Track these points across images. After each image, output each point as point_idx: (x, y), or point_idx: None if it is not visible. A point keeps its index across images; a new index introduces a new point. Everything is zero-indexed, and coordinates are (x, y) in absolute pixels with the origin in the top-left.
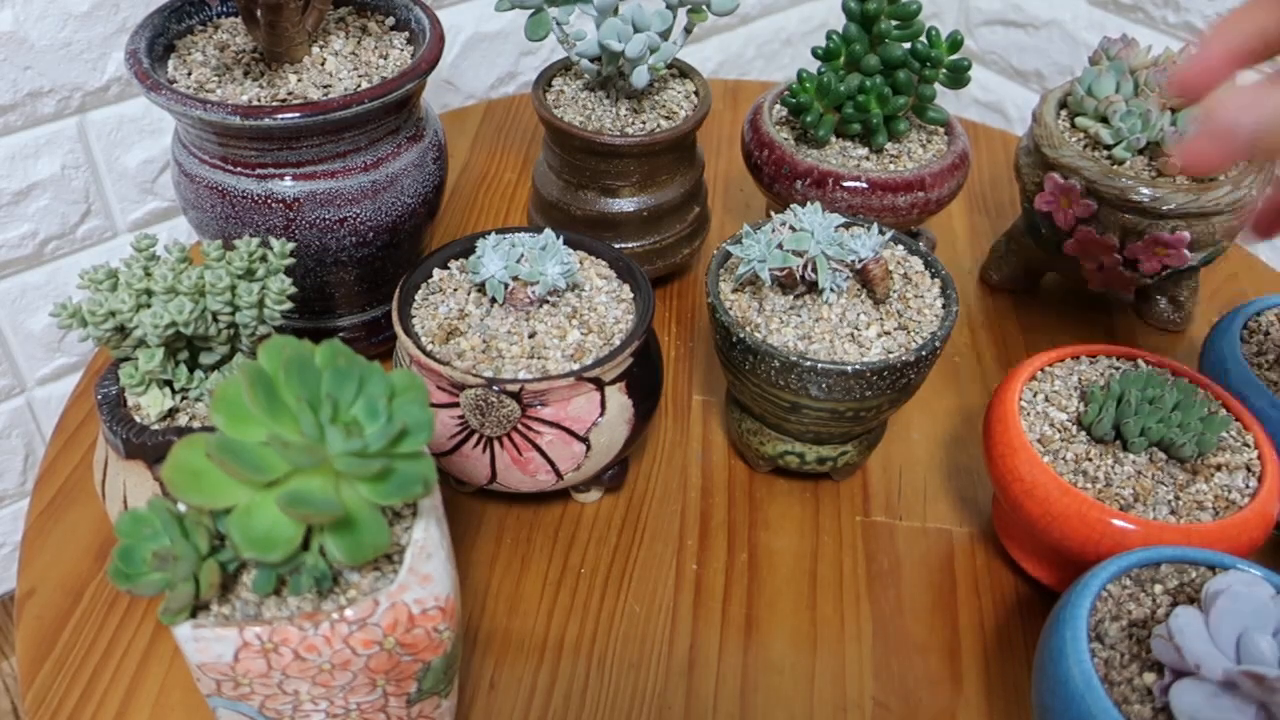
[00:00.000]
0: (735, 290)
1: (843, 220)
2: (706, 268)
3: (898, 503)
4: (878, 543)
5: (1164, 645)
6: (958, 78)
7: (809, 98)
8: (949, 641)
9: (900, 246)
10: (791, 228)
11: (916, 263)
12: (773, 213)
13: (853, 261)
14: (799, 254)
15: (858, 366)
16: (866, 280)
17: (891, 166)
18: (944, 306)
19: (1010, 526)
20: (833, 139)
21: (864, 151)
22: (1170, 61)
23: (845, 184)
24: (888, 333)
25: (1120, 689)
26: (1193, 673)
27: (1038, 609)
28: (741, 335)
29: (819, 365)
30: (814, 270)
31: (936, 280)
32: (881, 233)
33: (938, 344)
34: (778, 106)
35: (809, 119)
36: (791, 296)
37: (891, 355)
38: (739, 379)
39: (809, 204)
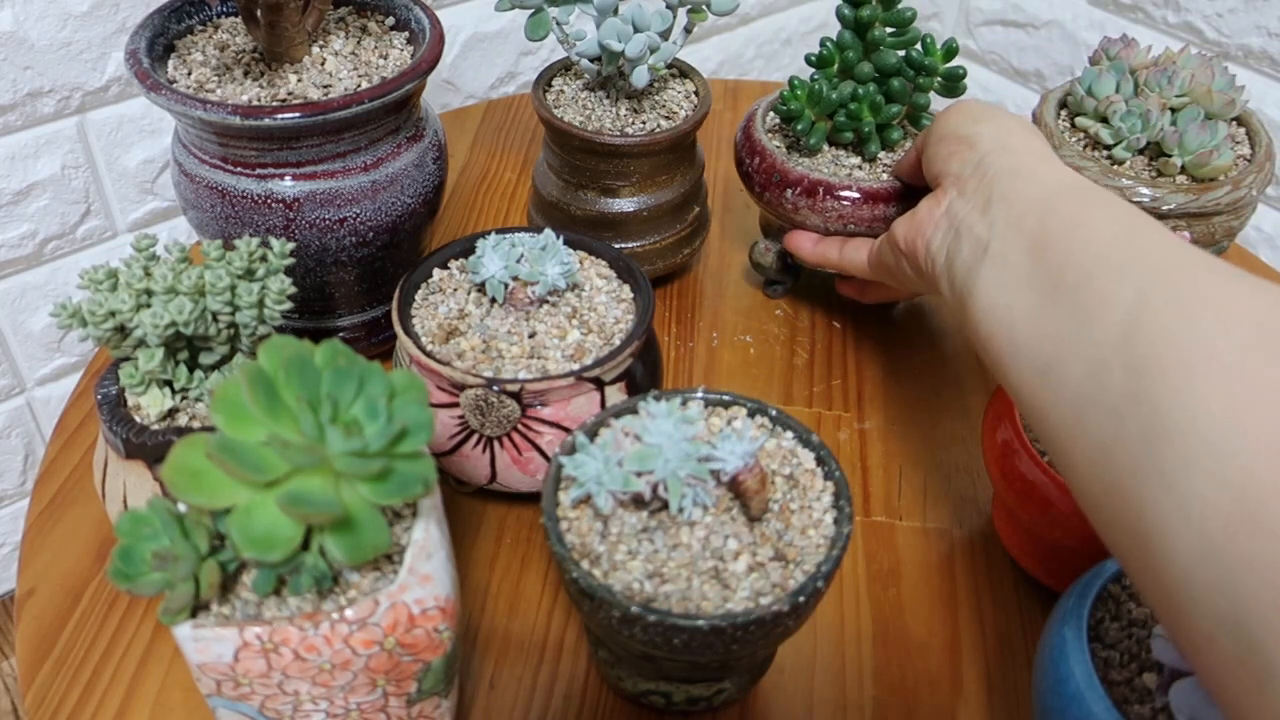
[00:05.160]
0: (578, 504)
1: (700, 429)
2: (700, 270)
3: (898, 503)
4: (878, 543)
5: (1164, 645)
6: (953, 86)
7: (800, 105)
8: (949, 641)
9: (789, 433)
10: (637, 436)
11: (807, 458)
12: (621, 427)
13: (719, 473)
14: (644, 474)
15: (715, 623)
16: (739, 493)
17: (884, 176)
18: (835, 523)
19: (1010, 526)
20: (825, 147)
21: (856, 160)
22: (1170, 61)
23: (837, 194)
24: (760, 564)
25: (1120, 689)
26: (1193, 673)
27: (1038, 609)
28: (574, 575)
29: (667, 620)
30: (667, 489)
31: (829, 484)
32: (765, 422)
33: (819, 584)
34: (770, 114)
35: (800, 127)
36: (645, 514)
37: (762, 600)
38: (582, 614)
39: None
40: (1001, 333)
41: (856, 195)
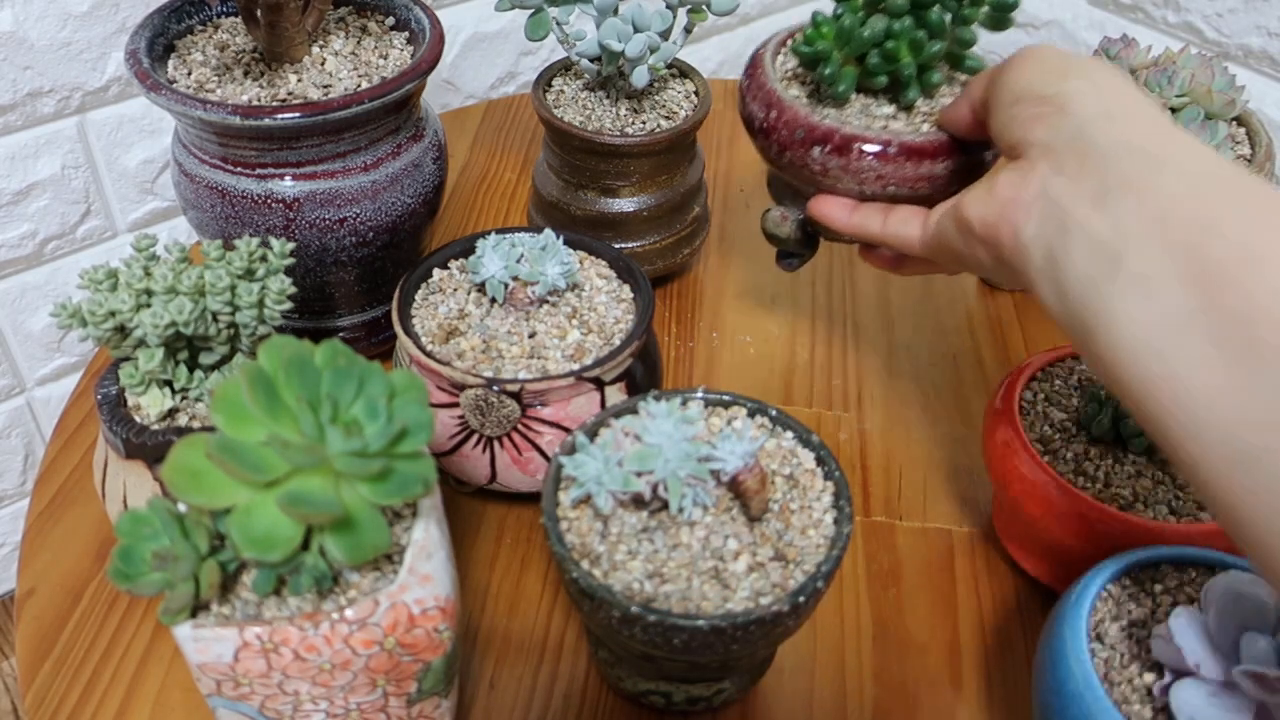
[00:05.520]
0: (578, 505)
1: (700, 429)
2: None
3: (898, 503)
4: (878, 543)
5: (1164, 645)
6: (1002, 18)
7: (827, 45)
8: (949, 641)
9: (789, 433)
10: (637, 436)
11: (807, 458)
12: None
13: (719, 473)
14: (644, 474)
15: (715, 623)
16: (739, 493)
17: (924, 127)
18: (835, 523)
19: (1010, 526)
20: (852, 96)
21: (890, 110)
22: (1170, 61)
23: (875, 150)
24: (760, 564)
25: (1120, 689)
26: (1193, 673)
27: (1038, 609)
28: (574, 575)
29: (667, 620)
30: (667, 489)
31: (829, 484)
32: (765, 422)
33: (819, 584)
34: (783, 57)
35: (827, 71)
36: (645, 514)
37: (762, 600)
38: (582, 614)
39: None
40: (1166, 392)
41: (897, 151)
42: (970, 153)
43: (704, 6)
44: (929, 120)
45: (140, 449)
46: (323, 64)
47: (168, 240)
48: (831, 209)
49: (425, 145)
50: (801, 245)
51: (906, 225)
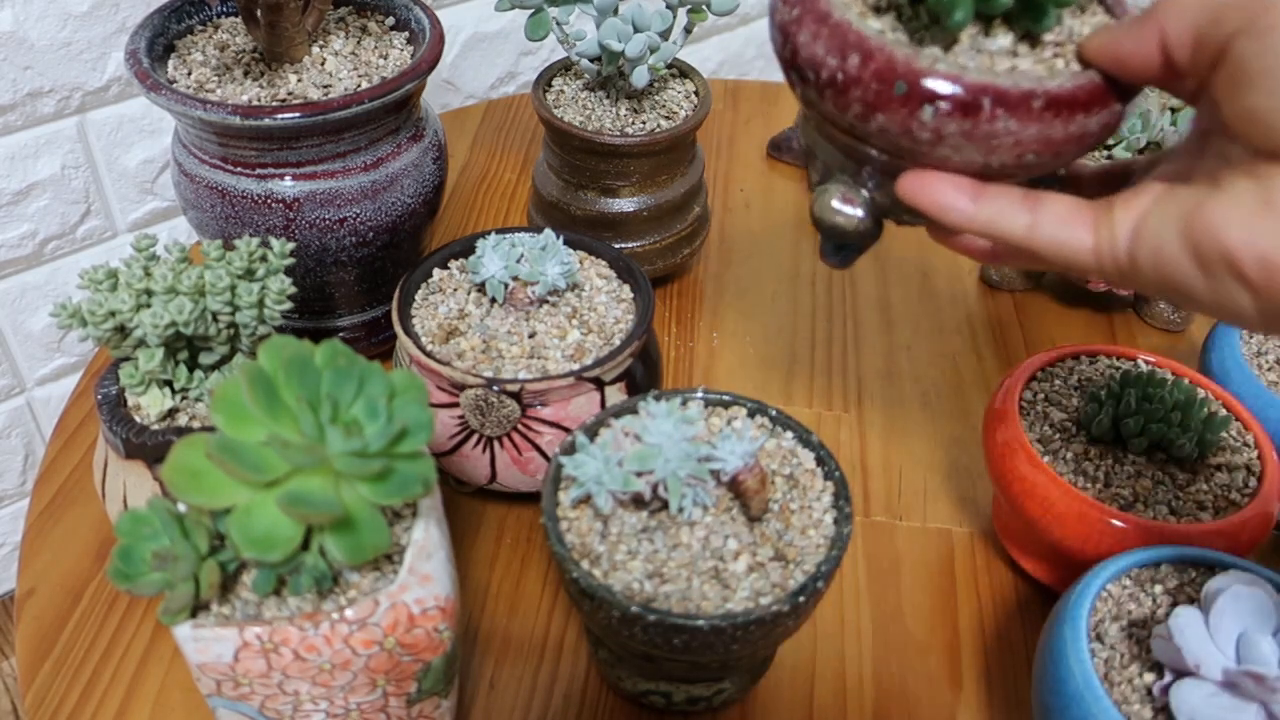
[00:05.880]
0: (578, 504)
1: (700, 429)
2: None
3: (898, 503)
4: (878, 543)
5: (1164, 645)
6: None
7: None
8: (949, 641)
9: (789, 433)
10: (637, 436)
11: (807, 458)
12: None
13: (719, 473)
14: (644, 474)
15: (715, 623)
16: (739, 493)
17: (1059, 63)
18: (835, 523)
19: (1010, 526)
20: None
21: (1006, 42)
22: None
23: (1012, 105)
24: (760, 564)
25: (1120, 689)
26: (1193, 673)
27: (1038, 609)
28: (574, 575)
29: (667, 620)
30: (667, 489)
31: (829, 484)
32: (765, 422)
33: (819, 584)
34: None
35: None
36: (645, 514)
37: (762, 600)
38: (582, 614)
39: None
40: None
41: (1044, 104)
42: (1128, 99)
43: (704, 6)
44: (1060, 53)
45: (140, 449)
46: (323, 64)
47: (168, 240)
48: (946, 195)
49: (425, 145)
50: (867, 236)
51: (1068, 230)
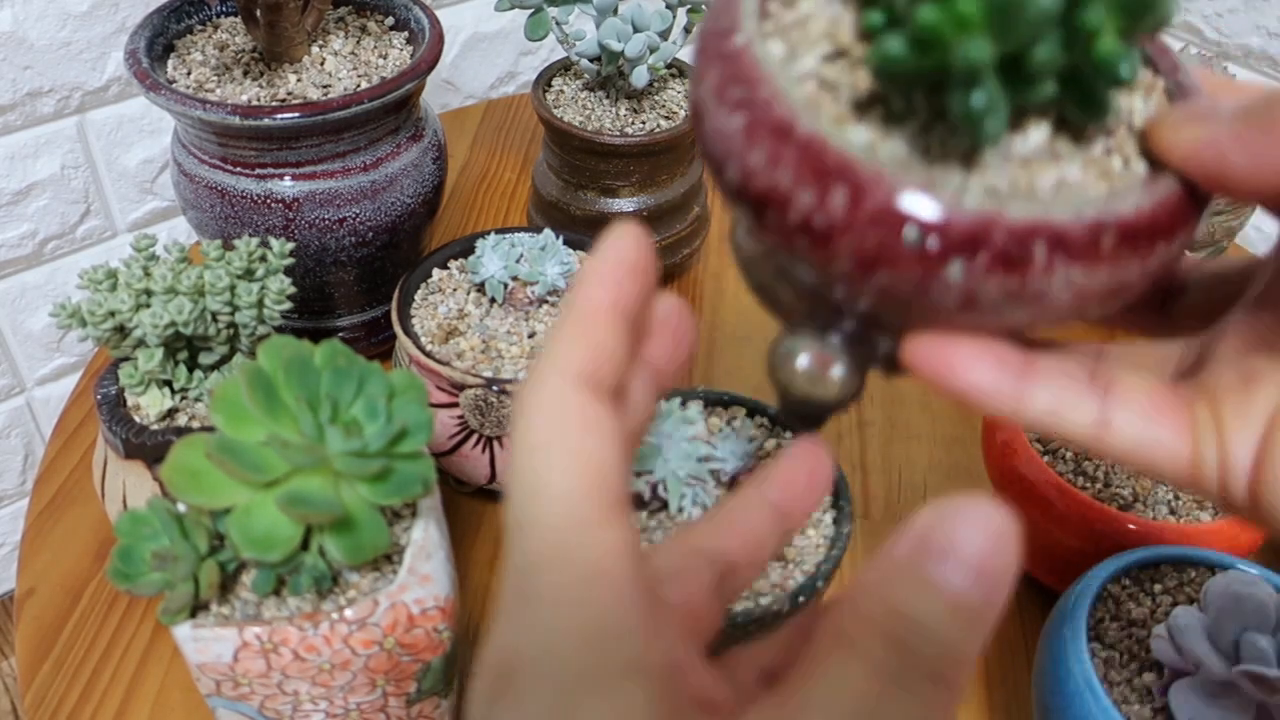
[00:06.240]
0: None
1: (700, 429)
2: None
3: (898, 503)
4: (878, 543)
5: (1164, 645)
6: None
7: (971, 42)
8: None
9: (789, 434)
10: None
11: None
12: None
13: (719, 473)
14: (644, 474)
15: None
16: None
17: (1117, 164)
18: (835, 523)
19: None
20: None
21: (1041, 139)
22: None
23: (1079, 250)
24: None
25: (1120, 689)
26: (1193, 673)
27: (1037, 609)
28: None
29: None
30: (666, 489)
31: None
32: (765, 422)
33: (819, 584)
34: (807, 57)
35: (977, 100)
36: (645, 514)
37: (762, 600)
38: None
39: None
40: None
41: (1117, 240)
42: (1205, 205)
43: (704, 6)
44: (1113, 147)
45: (140, 449)
46: (322, 64)
47: (167, 240)
48: (983, 377)
49: (425, 145)
50: (848, 400)
51: (1153, 430)
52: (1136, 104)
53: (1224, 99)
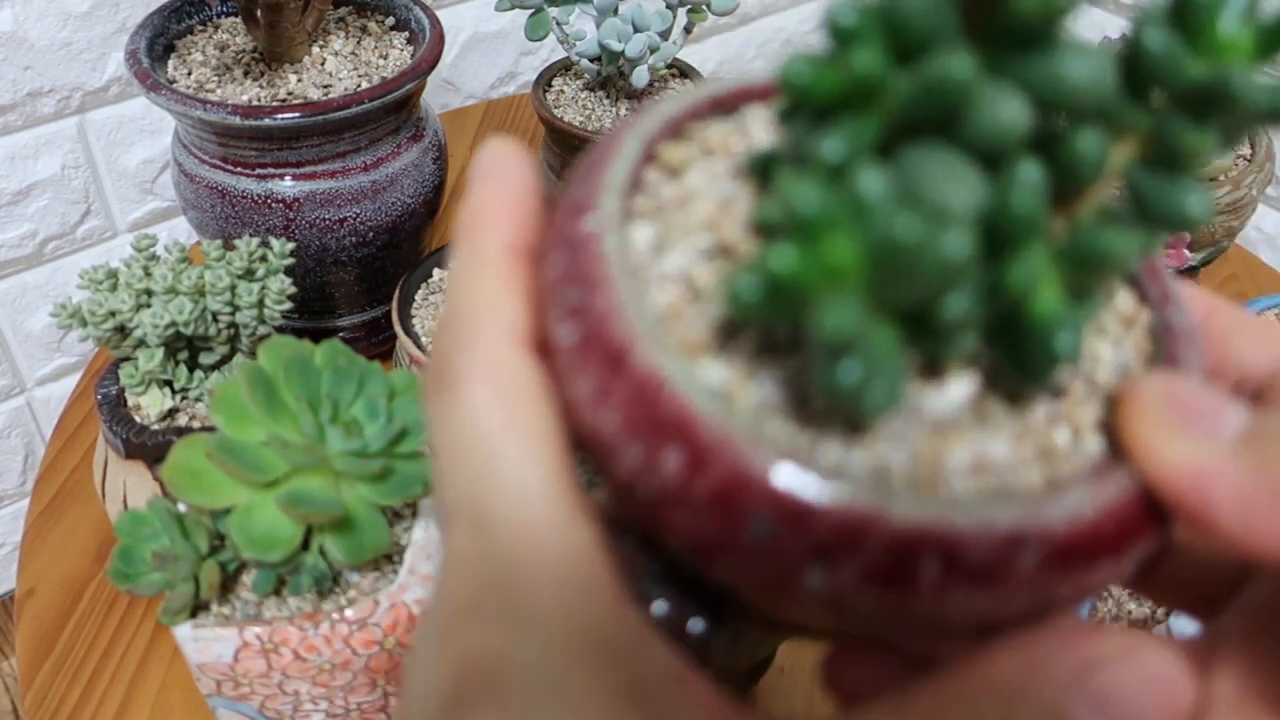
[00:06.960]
0: None
1: None
2: None
3: None
4: None
5: None
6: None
7: (825, 285)
8: None
9: None
10: None
11: None
12: None
13: None
14: None
15: None
16: None
17: (1061, 438)
18: None
19: None
20: None
21: (959, 396)
22: None
23: (980, 570)
24: None
25: None
26: None
27: None
28: None
29: None
30: None
31: None
32: None
33: None
34: (704, 263)
35: (841, 375)
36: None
37: None
38: None
39: None
40: None
41: (1055, 550)
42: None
43: (704, 6)
44: (1060, 417)
45: (140, 449)
46: (323, 64)
47: (168, 240)
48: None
49: (425, 145)
50: (750, 678)
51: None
52: (1103, 351)
53: (1223, 331)
